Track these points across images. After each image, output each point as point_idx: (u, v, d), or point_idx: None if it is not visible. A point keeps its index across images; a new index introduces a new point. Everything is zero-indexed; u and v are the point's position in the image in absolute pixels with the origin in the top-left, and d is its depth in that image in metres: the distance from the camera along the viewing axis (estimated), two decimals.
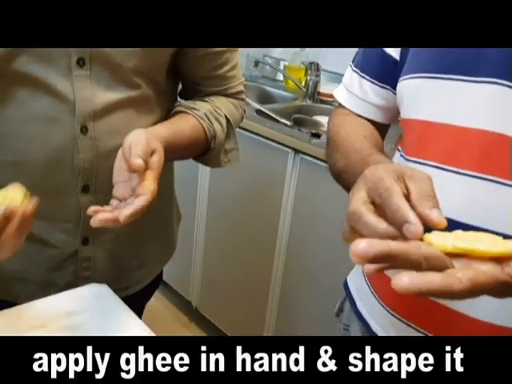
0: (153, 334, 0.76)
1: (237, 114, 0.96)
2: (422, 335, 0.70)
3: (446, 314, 0.66)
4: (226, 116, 0.91)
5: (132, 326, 0.78)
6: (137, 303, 0.85)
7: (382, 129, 0.85)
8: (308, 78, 2.07)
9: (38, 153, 0.79)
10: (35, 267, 0.89)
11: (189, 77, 0.92)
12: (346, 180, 0.73)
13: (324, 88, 2.08)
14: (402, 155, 0.75)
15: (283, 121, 1.73)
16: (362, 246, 0.41)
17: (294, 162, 1.63)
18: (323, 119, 1.92)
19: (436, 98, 0.67)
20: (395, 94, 0.77)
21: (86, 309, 0.80)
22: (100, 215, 0.66)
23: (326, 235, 1.58)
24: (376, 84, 0.80)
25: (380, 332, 0.77)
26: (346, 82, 0.86)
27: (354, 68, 0.83)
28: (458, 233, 0.47)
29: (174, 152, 0.82)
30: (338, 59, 2.07)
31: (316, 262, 1.63)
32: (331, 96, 2.05)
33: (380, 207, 0.49)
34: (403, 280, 0.40)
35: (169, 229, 1.07)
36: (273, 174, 1.71)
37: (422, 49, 0.69)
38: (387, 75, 0.78)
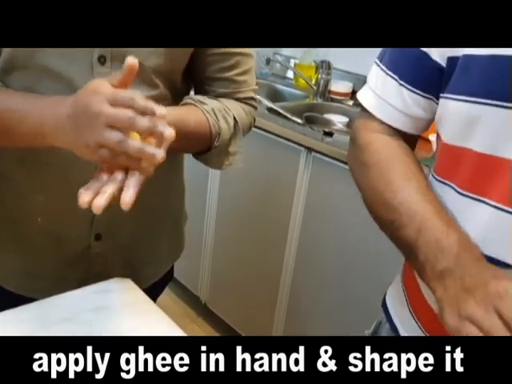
0: (179, 329, 0.76)
1: (245, 120, 0.93)
2: None
3: None
4: (234, 117, 0.89)
5: (157, 320, 0.79)
6: None
7: (413, 140, 0.76)
8: (319, 76, 2.06)
9: (57, 149, 0.79)
10: (49, 262, 0.90)
11: (198, 77, 0.92)
12: (403, 235, 0.64)
13: (335, 86, 2.07)
14: (451, 186, 0.66)
15: (295, 119, 1.73)
16: None
17: (307, 161, 1.62)
18: (335, 117, 1.91)
19: (498, 129, 0.59)
20: (438, 103, 0.68)
21: (111, 302, 0.81)
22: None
23: (338, 234, 1.57)
24: (418, 94, 0.69)
25: None
26: (377, 87, 0.74)
27: (388, 72, 0.72)
28: None
29: (174, 141, 0.80)
30: (349, 57, 2.07)
31: (327, 262, 1.62)
32: (342, 94, 2.08)
33: None
34: None
35: (178, 227, 1.08)
36: (284, 171, 1.70)
37: (473, 61, 0.61)
38: (431, 84, 0.68)
